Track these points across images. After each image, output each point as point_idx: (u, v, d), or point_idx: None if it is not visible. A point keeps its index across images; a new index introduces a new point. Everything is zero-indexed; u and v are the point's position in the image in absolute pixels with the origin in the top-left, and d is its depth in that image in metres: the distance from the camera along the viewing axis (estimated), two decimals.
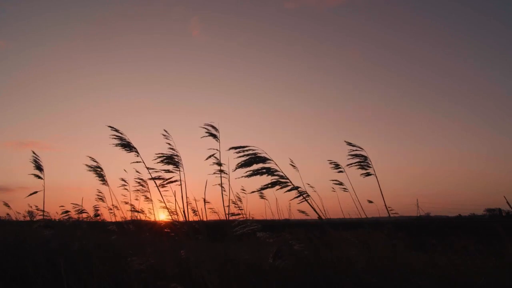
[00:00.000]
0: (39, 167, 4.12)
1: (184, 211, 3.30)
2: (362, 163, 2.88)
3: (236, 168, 2.22)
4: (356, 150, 2.93)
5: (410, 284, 2.33)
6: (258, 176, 2.23)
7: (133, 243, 4.37)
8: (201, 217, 3.46)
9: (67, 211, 5.07)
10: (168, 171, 3.17)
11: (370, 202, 4.23)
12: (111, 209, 5.15)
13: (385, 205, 3.03)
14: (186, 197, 3.26)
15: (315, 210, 2.43)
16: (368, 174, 2.90)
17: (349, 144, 2.95)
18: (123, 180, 4.90)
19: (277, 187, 2.24)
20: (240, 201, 4.85)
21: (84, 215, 5.19)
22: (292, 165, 4.08)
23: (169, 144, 3.25)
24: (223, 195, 3.47)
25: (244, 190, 5.03)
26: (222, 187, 3.41)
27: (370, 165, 2.87)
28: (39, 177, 4.04)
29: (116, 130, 3.23)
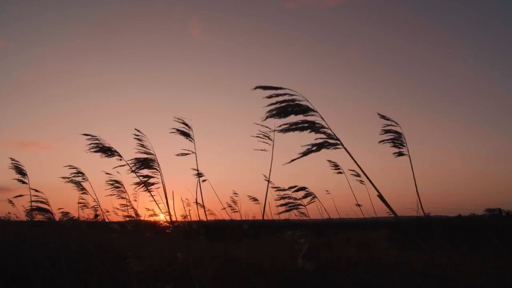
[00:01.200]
0: (21, 172, 4.11)
1: (169, 212, 3.21)
2: (395, 140, 2.53)
3: (266, 118, 1.58)
4: (390, 125, 2.56)
5: (410, 284, 2.33)
6: (297, 133, 1.58)
7: (132, 243, 4.37)
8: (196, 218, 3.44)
9: (67, 212, 5.07)
10: (146, 176, 2.98)
11: (359, 205, 4.15)
12: (107, 211, 5.15)
13: (419, 200, 2.67)
14: (167, 198, 3.11)
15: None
16: (400, 154, 2.56)
17: (383, 117, 2.60)
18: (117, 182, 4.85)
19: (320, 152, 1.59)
20: (235, 203, 4.92)
21: (85, 215, 5.19)
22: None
23: (142, 146, 3.10)
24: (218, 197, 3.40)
25: (236, 193, 5.09)
26: (201, 193, 3.28)
27: (404, 144, 2.54)
28: (23, 182, 4.03)
29: (93, 137, 3.14)
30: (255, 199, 4.95)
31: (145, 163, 2.97)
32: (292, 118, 1.57)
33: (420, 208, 2.73)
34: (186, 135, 3.16)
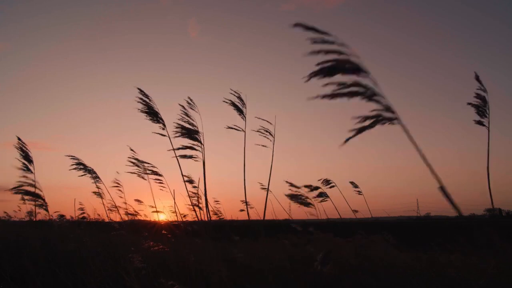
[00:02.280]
0: (27, 157, 3.94)
1: (206, 202, 3.06)
2: (480, 108, 2.26)
3: (310, 78, 1.14)
4: (479, 89, 2.29)
5: (410, 285, 2.33)
6: (344, 102, 1.15)
7: (133, 242, 4.37)
8: (200, 218, 3.44)
9: (62, 215, 5.10)
10: (189, 147, 2.82)
11: (355, 211, 4.26)
12: (110, 209, 5.16)
13: (490, 193, 2.41)
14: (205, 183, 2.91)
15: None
16: (480, 123, 2.29)
17: (477, 79, 2.29)
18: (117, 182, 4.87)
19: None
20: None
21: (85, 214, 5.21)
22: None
23: (186, 115, 2.88)
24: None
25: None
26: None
27: (487, 114, 2.25)
28: (29, 170, 3.84)
29: (146, 96, 2.89)
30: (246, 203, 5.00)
31: (190, 133, 2.80)
32: (338, 78, 1.14)
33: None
34: (239, 110, 3.05)
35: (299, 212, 5.12)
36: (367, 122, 1.14)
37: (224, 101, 3.10)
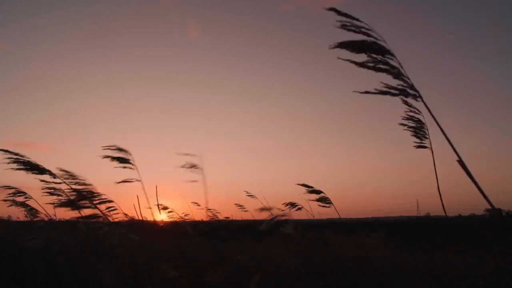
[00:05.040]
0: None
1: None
2: (417, 130, 2.33)
3: (336, 47, 1.33)
4: (413, 111, 2.41)
5: (409, 286, 2.34)
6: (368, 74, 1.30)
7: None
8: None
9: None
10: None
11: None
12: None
13: (442, 203, 2.39)
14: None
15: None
16: (422, 146, 2.38)
17: (405, 103, 2.39)
18: None
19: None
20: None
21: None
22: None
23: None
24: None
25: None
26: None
27: (427, 135, 2.33)
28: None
29: (12, 153, 3.00)
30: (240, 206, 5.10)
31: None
32: (364, 58, 1.33)
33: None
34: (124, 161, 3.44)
35: (296, 213, 5.12)
36: (394, 91, 1.34)
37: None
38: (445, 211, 2.68)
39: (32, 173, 3.02)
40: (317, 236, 3.80)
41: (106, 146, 3.44)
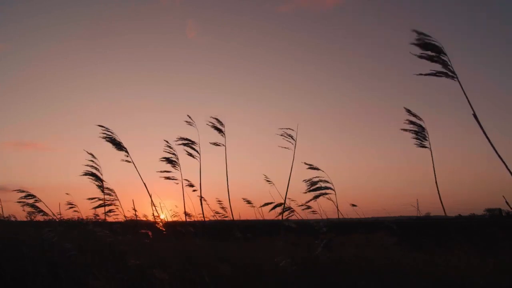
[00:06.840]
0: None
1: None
2: (418, 133, 2.65)
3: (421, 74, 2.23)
4: (414, 118, 2.73)
5: (409, 285, 2.33)
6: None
7: (132, 242, 4.38)
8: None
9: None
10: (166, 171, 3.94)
11: (354, 205, 4.47)
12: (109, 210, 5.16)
13: (441, 202, 2.68)
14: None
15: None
16: (422, 146, 2.65)
17: (408, 111, 2.71)
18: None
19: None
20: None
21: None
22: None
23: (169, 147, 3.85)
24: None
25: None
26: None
27: (427, 138, 2.63)
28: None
29: (107, 129, 3.66)
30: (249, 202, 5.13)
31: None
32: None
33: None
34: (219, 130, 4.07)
35: (296, 213, 5.12)
36: (437, 74, 2.08)
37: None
38: (445, 211, 2.70)
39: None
40: (317, 236, 3.79)
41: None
